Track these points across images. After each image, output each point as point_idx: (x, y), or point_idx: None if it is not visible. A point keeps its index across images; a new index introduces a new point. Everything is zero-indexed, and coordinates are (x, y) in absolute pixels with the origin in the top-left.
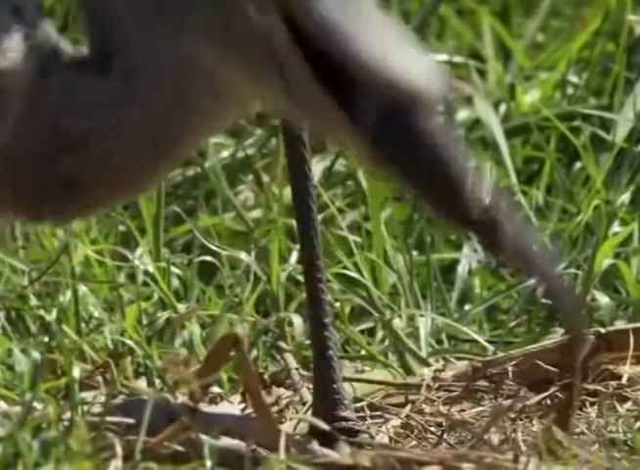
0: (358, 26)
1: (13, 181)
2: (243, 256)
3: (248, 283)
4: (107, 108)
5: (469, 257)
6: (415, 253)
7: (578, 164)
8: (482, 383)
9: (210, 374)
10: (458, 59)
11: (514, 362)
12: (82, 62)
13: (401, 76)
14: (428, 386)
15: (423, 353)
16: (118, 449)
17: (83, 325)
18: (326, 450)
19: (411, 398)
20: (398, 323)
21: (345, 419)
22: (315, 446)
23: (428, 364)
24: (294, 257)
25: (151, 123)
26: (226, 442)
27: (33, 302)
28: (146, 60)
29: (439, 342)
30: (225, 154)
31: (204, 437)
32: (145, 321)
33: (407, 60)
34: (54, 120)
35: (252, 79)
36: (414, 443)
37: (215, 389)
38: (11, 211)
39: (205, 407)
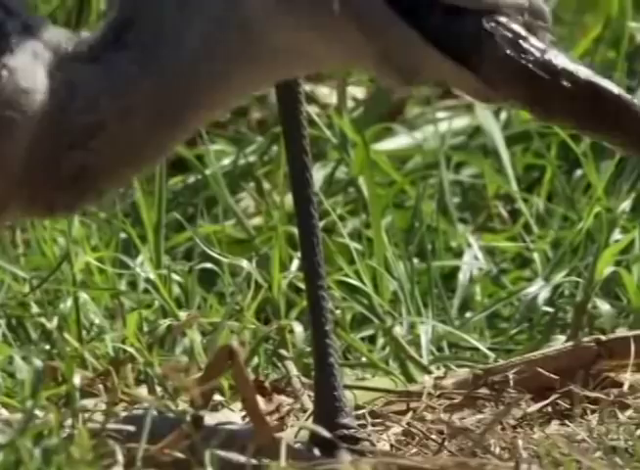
0: None
1: (28, 181)
2: (244, 263)
3: (248, 290)
4: (118, 88)
5: (470, 264)
6: (416, 260)
7: (579, 172)
8: (484, 390)
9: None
10: None
11: (515, 370)
12: (91, 47)
13: None
14: (429, 393)
15: (424, 361)
16: (120, 457)
17: (84, 333)
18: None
19: (412, 405)
20: (399, 331)
21: (347, 427)
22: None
23: (429, 372)
24: (294, 264)
25: (162, 94)
26: (227, 455)
27: (34, 309)
28: (170, 23)
29: (440, 349)
30: (226, 161)
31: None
32: (146, 329)
33: None
34: (64, 116)
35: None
36: (415, 450)
37: (216, 396)
38: (27, 209)
39: (206, 415)
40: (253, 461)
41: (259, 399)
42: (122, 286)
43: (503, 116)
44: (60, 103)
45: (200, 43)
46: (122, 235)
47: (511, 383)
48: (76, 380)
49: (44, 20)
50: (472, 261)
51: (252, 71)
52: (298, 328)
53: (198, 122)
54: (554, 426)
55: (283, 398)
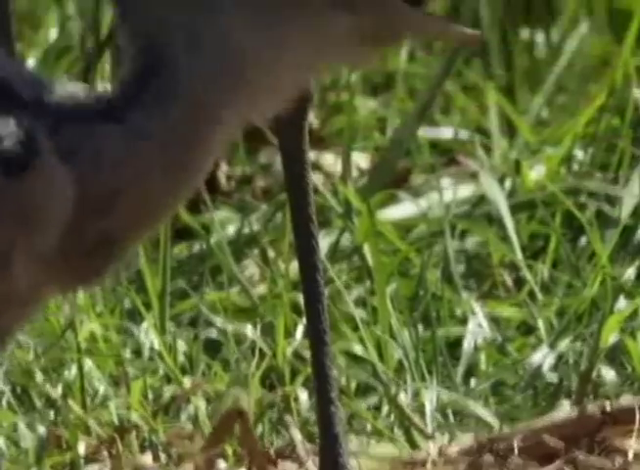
0: None
1: (61, 257)
2: (248, 330)
3: (253, 358)
4: (138, 147)
5: (474, 332)
6: (421, 328)
7: (584, 240)
8: (488, 458)
9: (215, 448)
10: (464, 134)
11: (520, 437)
12: (112, 105)
13: None
14: (433, 461)
15: (428, 428)
16: None
17: (89, 400)
18: None
19: None
20: (404, 398)
21: None
22: None
23: (433, 439)
24: (299, 331)
25: (174, 142)
26: None
27: (39, 376)
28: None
29: (445, 416)
30: (231, 228)
31: None
32: (150, 396)
33: None
34: (90, 187)
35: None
36: None
37: (221, 463)
38: (63, 283)
39: None
40: None
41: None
42: (127, 353)
43: (508, 184)
44: (84, 175)
45: (200, 83)
46: (127, 302)
47: (516, 450)
48: (81, 447)
49: (57, 83)
50: (476, 329)
51: (253, 95)
52: (303, 395)
53: (212, 153)
54: None
55: (288, 464)
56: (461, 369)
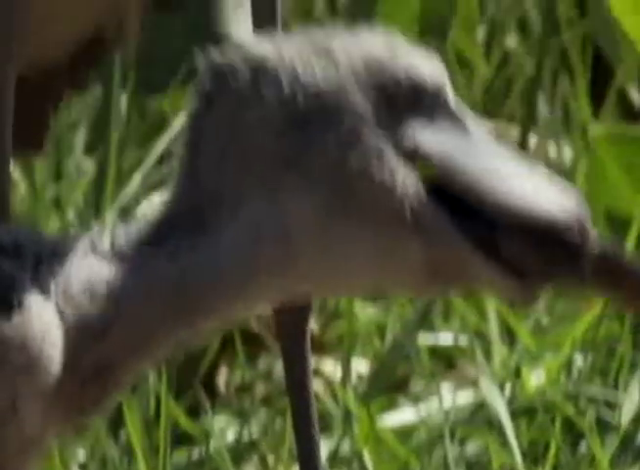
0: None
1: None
2: None
3: None
4: (142, 284)
5: None
6: None
7: (584, 445)
8: None
9: None
10: (463, 340)
11: None
12: (119, 245)
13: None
14: None
15: None
16: None
17: None
18: None
19: None
20: None
21: None
22: None
23: None
24: None
25: (185, 292)
26: None
27: None
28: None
29: None
30: (230, 434)
31: None
32: None
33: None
34: (82, 324)
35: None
36: None
37: None
38: (60, 420)
39: None
40: None
41: None
42: None
43: (508, 390)
44: (75, 304)
45: (235, 251)
46: None
47: None
48: None
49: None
50: None
51: (284, 282)
52: None
53: (221, 313)
54: None
55: None
56: None
